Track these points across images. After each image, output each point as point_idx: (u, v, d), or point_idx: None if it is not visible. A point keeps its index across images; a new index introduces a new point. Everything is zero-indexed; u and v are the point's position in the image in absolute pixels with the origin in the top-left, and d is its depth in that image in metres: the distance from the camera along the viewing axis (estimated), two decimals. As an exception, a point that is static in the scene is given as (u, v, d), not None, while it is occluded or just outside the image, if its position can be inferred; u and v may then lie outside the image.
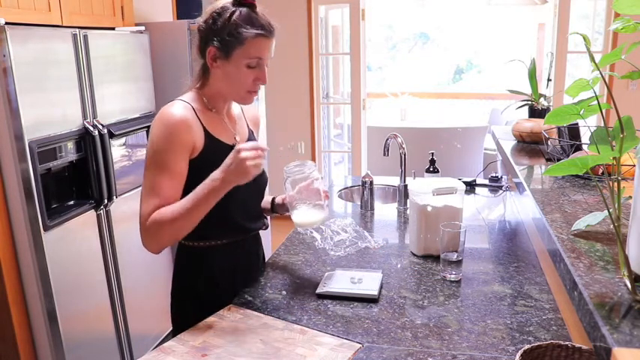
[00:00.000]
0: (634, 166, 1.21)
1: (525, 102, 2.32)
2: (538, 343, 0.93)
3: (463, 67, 9.85)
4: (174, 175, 1.26)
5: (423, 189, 1.56)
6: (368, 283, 1.37)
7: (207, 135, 1.32)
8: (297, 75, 4.53)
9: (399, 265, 1.55)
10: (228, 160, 1.19)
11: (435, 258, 1.55)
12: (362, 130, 4.57)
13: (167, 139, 1.25)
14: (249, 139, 1.47)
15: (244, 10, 1.27)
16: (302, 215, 1.40)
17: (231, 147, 1.37)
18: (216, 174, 1.19)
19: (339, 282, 1.38)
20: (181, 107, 1.29)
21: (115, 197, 2.34)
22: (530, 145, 2.11)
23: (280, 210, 1.57)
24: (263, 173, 1.41)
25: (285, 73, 4.48)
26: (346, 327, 1.20)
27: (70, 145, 2.13)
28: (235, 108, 1.48)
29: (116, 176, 2.35)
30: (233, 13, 1.27)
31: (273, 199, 1.58)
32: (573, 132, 1.73)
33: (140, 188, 2.55)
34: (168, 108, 1.29)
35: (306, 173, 1.38)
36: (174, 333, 1.40)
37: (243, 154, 1.16)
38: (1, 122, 1.87)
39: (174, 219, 1.21)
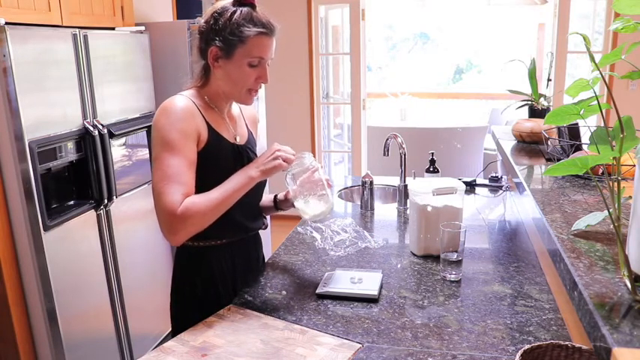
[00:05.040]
0: (634, 166, 1.21)
1: (525, 102, 2.32)
2: (538, 343, 0.93)
3: (463, 67, 9.86)
4: (190, 162, 1.25)
5: (423, 189, 1.56)
6: (368, 283, 1.37)
7: (211, 129, 1.33)
8: (297, 75, 4.53)
9: (399, 265, 1.55)
10: (264, 153, 1.33)
11: (435, 258, 1.55)
12: (362, 130, 4.57)
13: (174, 125, 1.24)
14: (248, 140, 1.47)
15: (245, 9, 1.28)
16: (308, 208, 1.38)
17: (233, 145, 1.38)
18: (248, 166, 1.31)
19: (339, 282, 1.38)
20: (183, 99, 1.30)
21: (115, 197, 2.34)
22: (530, 145, 2.11)
23: (284, 206, 1.57)
24: None
25: (285, 73, 4.48)
26: (346, 327, 1.20)
27: (70, 145, 2.13)
28: (234, 108, 1.48)
29: (116, 176, 2.35)
30: (234, 12, 1.27)
31: (275, 196, 1.58)
32: (573, 132, 1.73)
33: (141, 187, 2.58)
34: (170, 100, 1.29)
35: (306, 165, 1.37)
36: (174, 333, 1.40)
37: (277, 146, 1.32)
38: (1, 122, 1.87)
39: (210, 209, 1.22)
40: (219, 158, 1.33)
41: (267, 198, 1.60)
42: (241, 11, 1.27)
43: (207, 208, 1.22)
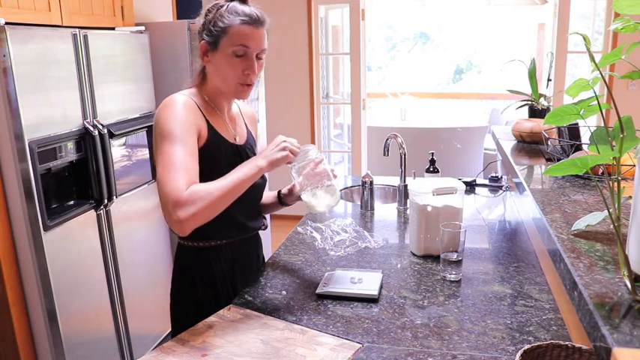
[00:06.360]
0: (634, 166, 1.21)
1: (525, 102, 2.32)
2: (538, 343, 0.93)
3: (463, 67, 9.86)
4: (192, 151, 1.23)
5: (423, 189, 1.56)
6: (368, 283, 1.37)
7: (210, 128, 1.33)
8: (297, 75, 4.53)
9: (399, 265, 1.55)
10: (269, 144, 1.30)
11: (435, 258, 1.55)
12: (362, 130, 4.57)
13: (175, 117, 1.24)
14: (247, 140, 1.47)
15: (233, 3, 1.30)
16: (316, 200, 1.37)
17: (233, 145, 1.38)
18: (255, 157, 1.28)
19: (339, 282, 1.38)
20: (183, 97, 1.31)
21: (115, 197, 2.34)
22: (530, 145, 2.11)
23: (289, 200, 1.56)
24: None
25: (285, 73, 4.47)
26: (346, 327, 1.20)
27: (70, 145, 2.13)
28: (234, 108, 1.48)
29: (116, 176, 2.35)
30: (222, 6, 1.30)
31: (279, 191, 1.58)
32: (573, 132, 1.73)
33: (141, 187, 2.58)
34: (171, 96, 1.30)
35: (310, 157, 1.36)
36: (173, 333, 1.40)
37: (282, 138, 1.30)
38: (1, 122, 1.87)
39: (217, 196, 1.16)
40: (218, 158, 1.33)
41: (270, 195, 1.59)
42: (228, 5, 1.30)
43: (215, 194, 1.16)
